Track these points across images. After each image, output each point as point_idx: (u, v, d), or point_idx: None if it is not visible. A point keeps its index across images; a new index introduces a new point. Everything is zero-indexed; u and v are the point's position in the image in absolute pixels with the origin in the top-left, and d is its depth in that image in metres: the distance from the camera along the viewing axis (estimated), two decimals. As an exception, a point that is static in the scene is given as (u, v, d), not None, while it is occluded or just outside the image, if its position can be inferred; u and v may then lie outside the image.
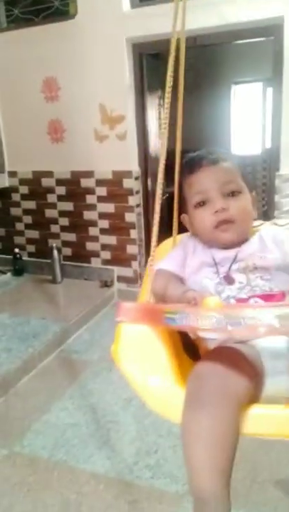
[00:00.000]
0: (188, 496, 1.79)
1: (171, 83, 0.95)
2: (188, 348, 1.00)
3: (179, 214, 1.10)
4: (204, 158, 1.00)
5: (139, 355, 0.86)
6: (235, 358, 0.82)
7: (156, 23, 3.11)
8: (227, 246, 1.00)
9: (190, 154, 1.06)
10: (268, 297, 0.91)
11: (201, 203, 1.00)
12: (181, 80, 1.06)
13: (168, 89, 0.93)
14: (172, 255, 1.06)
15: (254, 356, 0.85)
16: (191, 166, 1.02)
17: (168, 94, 0.94)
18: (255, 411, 0.79)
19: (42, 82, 3.66)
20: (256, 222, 1.08)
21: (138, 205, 3.67)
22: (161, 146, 0.93)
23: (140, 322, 0.81)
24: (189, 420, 0.76)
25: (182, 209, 1.10)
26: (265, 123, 5.41)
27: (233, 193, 0.98)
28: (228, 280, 0.94)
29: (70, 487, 1.89)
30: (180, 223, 1.11)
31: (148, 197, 3.71)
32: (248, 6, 2.84)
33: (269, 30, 2.96)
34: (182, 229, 1.15)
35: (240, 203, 0.97)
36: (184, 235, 1.13)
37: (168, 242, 1.14)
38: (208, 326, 0.67)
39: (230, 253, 0.98)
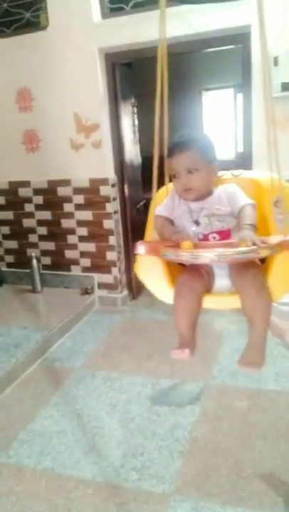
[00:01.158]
0: (175, 495, 1.83)
1: (162, 88, 1.27)
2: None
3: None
4: (176, 147, 1.43)
5: (149, 271, 1.46)
6: (198, 271, 1.44)
7: (127, 33, 3.18)
8: (195, 200, 1.48)
9: (173, 139, 1.46)
10: (220, 232, 1.45)
11: (175, 176, 1.45)
12: (165, 86, 1.35)
13: (158, 92, 1.26)
14: (165, 204, 1.53)
15: (209, 269, 1.47)
16: (170, 151, 1.45)
17: (159, 98, 1.26)
18: (209, 297, 1.44)
19: (15, 93, 3.68)
20: (220, 173, 1.55)
21: (116, 212, 3.71)
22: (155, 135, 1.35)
23: (148, 254, 1.36)
24: (176, 302, 1.40)
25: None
26: (237, 128, 5.53)
27: (192, 171, 1.42)
28: (196, 223, 1.48)
29: (58, 493, 1.91)
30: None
31: (125, 203, 3.76)
32: (216, 16, 2.92)
33: (237, 38, 3.05)
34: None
35: (196, 178, 1.43)
36: (172, 189, 1.54)
37: (162, 190, 1.55)
38: (184, 258, 1.26)
39: (199, 204, 1.48)
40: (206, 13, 2.93)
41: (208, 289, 1.47)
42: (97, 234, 3.77)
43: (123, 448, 2.15)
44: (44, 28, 3.46)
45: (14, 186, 3.95)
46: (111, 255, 3.79)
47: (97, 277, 3.88)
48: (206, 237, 1.45)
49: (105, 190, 3.63)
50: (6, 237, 4.16)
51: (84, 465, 2.06)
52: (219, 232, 1.46)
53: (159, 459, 2.06)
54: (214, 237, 1.45)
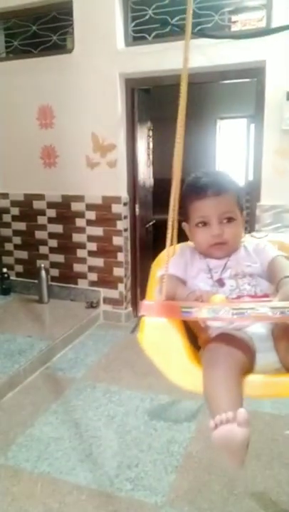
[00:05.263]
0: (167, 507, 1.87)
1: (184, 115, 1.08)
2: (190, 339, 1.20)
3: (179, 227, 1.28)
4: (210, 188, 1.17)
5: (158, 341, 1.10)
6: (234, 339, 1.06)
7: (147, 61, 3.33)
8: (218, 257, 1.22)
9: (195, 177, 1.22)
10: (254, 298, 1.12)
11: (202, 224, 1.20)
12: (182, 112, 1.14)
13: (181, 117, 1.07)
14: (175, 262, 1.24)
15: (247, 338, 1.10)
16: (198, 191, 1.18)
17: (181, 123, 1.07)
18: (252, 378, 1.04)
19: (38, 110, 3.84)
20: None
21: (126, 230, 3.81)
22: (175, 163, 1.10)
23: (160, 316, 1.03)
24: (208, 374, 1.00)
25: (183, 219, 1.27)
26: (249, 157, 5.67)
27: (229, 220, 1.18)
28: (220, 283, 1.16)
29: (52, 497, 1.95)
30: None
31: (135, 222, 3.86)
32: (234, 50, 3.07)
33: (252, 72, 3.19)
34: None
35: (233, 229, 1.18)
36: (182, 244, 1.32)
37: (169, 250, 1.21)
38: (216, 316, 0.92)
39: (222, 262, 1.20)
40: (225, 48, 3.08)
41: (249, 367, 1.07)
42: (106, 250, 3.87)
43: (118, 458, 2.19)
44: (70, 51, 3.64)
45: (29, 199, 4.08)
46: (118, 271, 3.88)
47: (103, 292, 3.96)
48: None
49: (117, 208, 3.74)
50: (17, 247, 4.27)
51: (79, 472, 2.10)
52: (252, 298, 1.13)
53: (153, 471, 2.10)
54: None
